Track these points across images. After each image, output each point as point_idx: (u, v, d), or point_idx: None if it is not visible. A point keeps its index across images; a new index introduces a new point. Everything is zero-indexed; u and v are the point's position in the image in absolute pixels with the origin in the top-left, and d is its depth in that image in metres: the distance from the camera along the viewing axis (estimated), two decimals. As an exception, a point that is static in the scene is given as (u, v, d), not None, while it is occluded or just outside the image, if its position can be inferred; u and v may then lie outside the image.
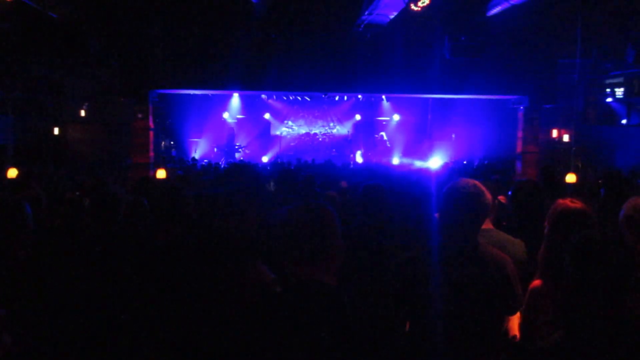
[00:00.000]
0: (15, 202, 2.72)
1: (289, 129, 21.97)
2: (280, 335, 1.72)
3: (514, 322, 2.68)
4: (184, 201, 3.39)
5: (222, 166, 15.06)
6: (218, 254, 2.63)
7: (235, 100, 20.95)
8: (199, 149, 20.19)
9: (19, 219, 2.66)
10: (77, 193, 6.57)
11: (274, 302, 1.86)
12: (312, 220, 1.95)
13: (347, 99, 21.40)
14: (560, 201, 2.77)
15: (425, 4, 10.03)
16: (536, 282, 2.61)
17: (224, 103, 20.74)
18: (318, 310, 1.75)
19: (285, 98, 21.21)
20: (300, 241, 1.92)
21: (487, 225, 3.29)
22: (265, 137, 21.60)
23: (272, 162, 18.22)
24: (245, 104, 21.21)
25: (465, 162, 17.87)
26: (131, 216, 4.11)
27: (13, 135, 11.53)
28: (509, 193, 4.28)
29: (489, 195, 2.51)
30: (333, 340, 1.70)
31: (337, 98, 21.21)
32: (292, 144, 21.68)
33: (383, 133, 22.06)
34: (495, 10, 11.09)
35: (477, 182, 2.50)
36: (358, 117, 21.87)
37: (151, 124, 12.30)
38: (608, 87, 15.98)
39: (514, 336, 2.66)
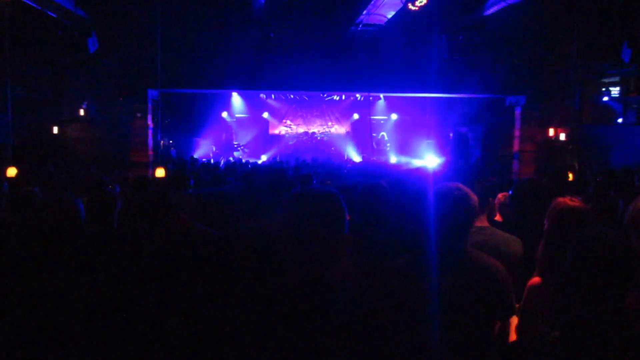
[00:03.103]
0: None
1: (288, 128, 22.02)
2: (285, 341, 1.57)
3: (513, 324, 2.67)
4: (170, 201, 3.41)
5: (222, 165, 15.09)
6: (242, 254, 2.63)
7: (234, 99, 20.98)
8: (199, 148, 20.23)
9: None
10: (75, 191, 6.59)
11: (278, 304, 1.66)
12: (318, 206, 1.70)
13: (346, 98, 21.45)
14: (560, 199, 2.78)
15: (422, 4, 10.08)
16: (535, 280, 2.60)
17: (223, 102, 20.77)
18: (328, 315, 1.59)
19: (283, 97, 21.25)
20: (305, 230, 1.67)
21: (483, 223, 3.33)
22: (264, 136, 21.65)
23: (271, 161, 18.28)
24: (244, 103, 21.25)
25: (462, 161, 17.94)
26: (131, 214, 4.15)
27: (12, 134, 11.53)
28: (510, 192, 4.35)
29: (475, 198, 2.46)
30: (342, 345, 1.56)
31: (336, 97, 21.24)
32: (290, 142, 21.72)
33: (384, 133, 22.13)
34: (492, 9, 11.14)
35: (461, 186, 2.45)
36: (356, 116, 21.91)
37: (150, 123, 12.33)
38: (604, 86, 16.04)
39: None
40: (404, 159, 19.61)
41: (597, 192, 5.95)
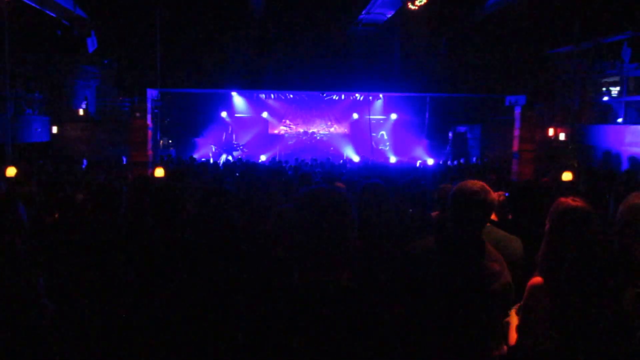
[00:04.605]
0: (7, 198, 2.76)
1: (287, 128, 22.02)
2: (292, 346, 1.52)
3: (513, 324, 2.69)
4: (181, 198, 3.40)
5: (221, 165, 15.09)
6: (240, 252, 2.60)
7: (236, 99, 21.01)
8: (199, 148, 20.24)
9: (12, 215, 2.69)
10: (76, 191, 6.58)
11: (287, 306, 1.59)
12: (329, 205, 1.64)
13: (345, 98, 21.45)
14: (562, 199, 2.75)
15: (422, 3, 10.06)
16: (536, 279, 2.58)
17: (223, 102, 20.79)
18: (339, 318, 1.54)
19: (283, 97, 21.25)
20: (316, 230, 1.61)
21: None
22: (263, 136, 21.65)
23: (271, 161, 18.29)
24: (244, 102, 21.27)
25: (462, 161, 17.95)
26: (132, 213, 4.14)
27: (12, 133, 11.53)
28: (506, 194, 4.33)
29: (493, 196, 2.60)
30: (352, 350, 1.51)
31: (336, 97, 21.23)
32: (290, 142, 21.73)
33: (383, 132, 22.15)
34: (493, 9, 11.14)
35: (483, 184, 2.58)
36: (356, 115, 21.91)
37: (149, 123, 12.30)
38: (604, 86, 16.04)
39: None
40: (403, 159, 19.62)
41: (595, 192, 5.95)
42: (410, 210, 4.25)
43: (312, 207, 1.64)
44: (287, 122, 22.00)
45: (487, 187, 2.58)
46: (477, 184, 2.58)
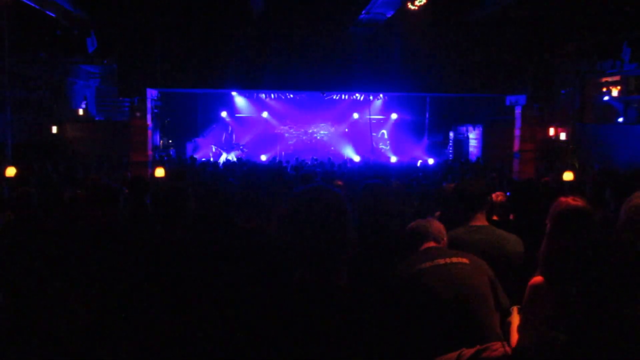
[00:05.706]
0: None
1: (287, 127, 22.01)
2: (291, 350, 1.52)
3: (515, 324, 2.69)
4: (188, 200, 3.39)
5: (221, 165, 15.09)
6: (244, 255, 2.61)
7: (237, 98, 21.00)
8: (199, 148, 20.23)
9: None
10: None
11: (283, 309, 1.58)
12: (326, 205, 1.63)
13: (345, 98, 21.43)
14: (562, 199, 2.75)
15: (422, 3, 10.04)
16: (537, 279, 2.57)
17: (224, 102, 20.78)
18: (335, 321, 1.53)
19: (283, 97, 21.24)
20: (309, 230, 1.60)
21: (483, 222, 3.31)
22: (264, 136, 21.64)
23: (271, 161, 18.29)
24: (245, 102, 21.26)
25: (462, 160, 17.95)
26: (133, 214, 4.14)
27: (11, 133, 11.51)
28: (507, 194, 4.33)
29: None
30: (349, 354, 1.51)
31: (336, 97, 21.21)
32: (290, 142, 21.72)
33: (384, 131, 22.15)
34: (492, 8, 11.11)
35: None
36: (356, 115, 21.90)
37: (149, 123, 12.29)
38: (605, 86, 16.04)
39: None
40: (404, 158, 19.63)
41: (595, 192, 5.94)
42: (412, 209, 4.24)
43: (306, 207, 1.64)
44: (288, 122, 21.99)
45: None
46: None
